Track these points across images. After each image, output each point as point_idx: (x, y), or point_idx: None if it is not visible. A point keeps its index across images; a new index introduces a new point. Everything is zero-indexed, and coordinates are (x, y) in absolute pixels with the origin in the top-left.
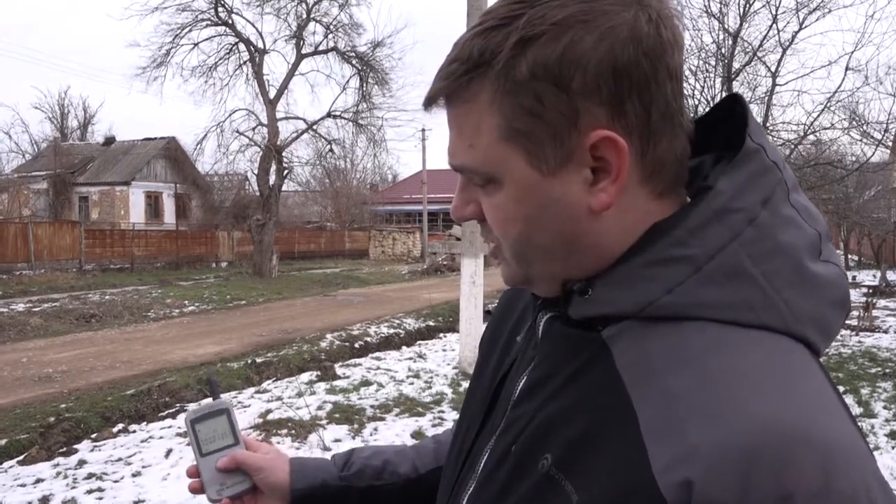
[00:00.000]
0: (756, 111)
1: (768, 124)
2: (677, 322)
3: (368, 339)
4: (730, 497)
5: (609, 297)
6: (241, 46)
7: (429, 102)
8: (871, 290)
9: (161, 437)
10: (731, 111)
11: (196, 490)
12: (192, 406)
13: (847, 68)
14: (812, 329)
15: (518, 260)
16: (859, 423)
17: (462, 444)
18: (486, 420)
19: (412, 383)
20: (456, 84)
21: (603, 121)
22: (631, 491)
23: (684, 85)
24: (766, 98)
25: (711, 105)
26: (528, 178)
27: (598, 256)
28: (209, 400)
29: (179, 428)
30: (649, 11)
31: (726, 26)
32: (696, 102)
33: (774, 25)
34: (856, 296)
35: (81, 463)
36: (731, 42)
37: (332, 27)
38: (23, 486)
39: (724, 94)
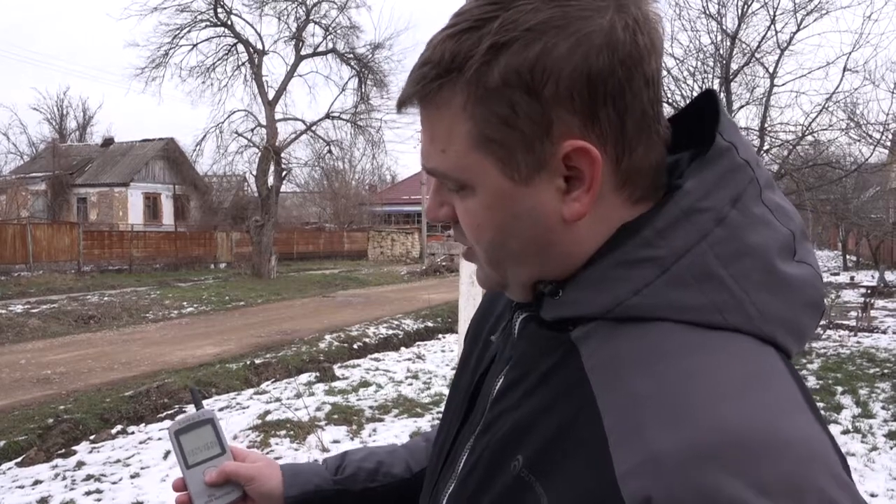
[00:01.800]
0: (754, 112)
1: (766, 125)
2: (645, 323)
3: (367, 339)
4: (691, 502)
5: (578, 298)
6: (240, 47)
7: (401, 105)
8: (869, 291)
9: (159, 439)
10: (707, 107)
11: None
12: (178, 417)
13: (845, 69)
14: (782, 331)
15: (491, 264)
16: (857, 424)
17: (444, 442)
18: (467, 418)
19: (411, 384)
20: (427, 88)
21: (576, 130)
22: (597, 497)
23: (683, 86)
24: (765, 99)
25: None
26: (501, 185)
27: (571, 262)
28: (192, 410)
29: None
30: (626, 17)
31: (724, 27)
32: (660, 98)
33: (772, 26)
34: (854, 296)
35: (80, 464)
36: (729, 43)
37: (331, 29)
38: (21, 487)
39: (722, 95)
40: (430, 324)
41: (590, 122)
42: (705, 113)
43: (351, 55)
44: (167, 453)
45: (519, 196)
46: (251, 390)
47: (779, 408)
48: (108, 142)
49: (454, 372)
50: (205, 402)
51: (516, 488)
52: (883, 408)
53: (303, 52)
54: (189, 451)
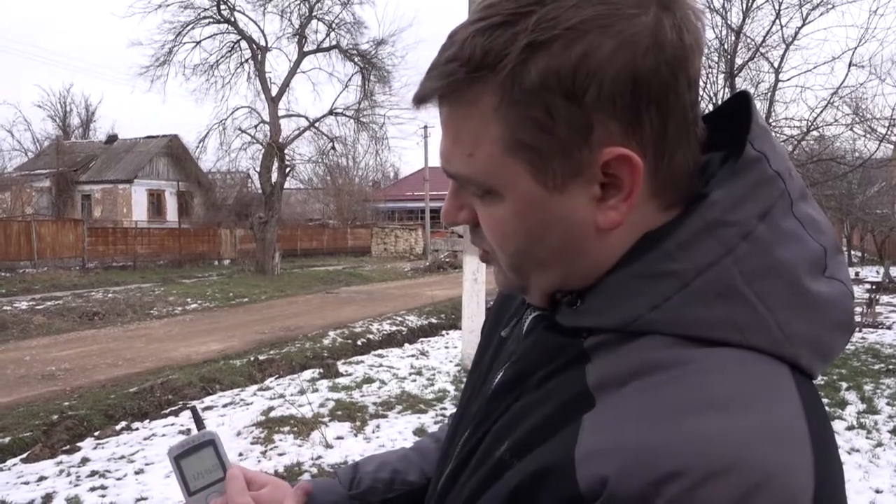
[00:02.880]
0: (759, 107)
1: (771, 120)
2: (659, 337)
3: (371, 336)
4: (635, 498)
5: (598, 309)
6: (243, 44)
7: (420, 101)
8: (874, 287)
9: (164, 435)
10: (738, 109)
11: None
12: (178, 440)
13: (850, 64)
14: (806, 351)
15: (514, 270)
16: (862, 420)
17: (451, 433)
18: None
19: (414, 380)
20: (454, 86)
21: (617, 136)
22: (550, 468)
23: None
24: (769, 94)
25: (713, 102)
26: (532, 193)
27: (597, 270)
28: (194, 431)
29: (182, 426)
30: (672, 14)
31: (729, 22)
32: (699, 99)
33: (777, 21)
34: (859, 292)
35: (84, 461)
36: (733, 38)
37: (334, 25)
38: (26, 483)
39: (726, 91)
40: (433, 320)
41: (631, 127)
42: (740, 116)
43: (354, 51)
44: None
45: (551, 204)
46: (255, 386)
47: (767, 435)
48: (111, 139)
49: (458, 368)
50: (209, 399)
51: (497, 470)
52: (888, 404)
53: (306, 49)
54: (190, 476)
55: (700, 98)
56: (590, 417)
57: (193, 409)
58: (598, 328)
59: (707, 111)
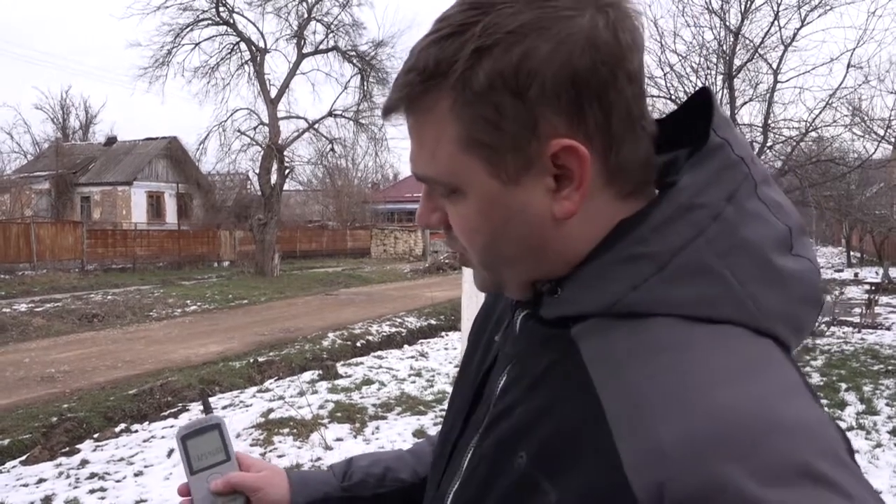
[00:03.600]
0: (758, 109)
1: (770, 122)
2: (642, 318)
3: (370, 337)
4: (700, 493)
5: (577, 296)
6: (243, 46)
7: (387, 112)
8: (873, 287)
9: (163, 437)
10: (702, 105)
11: None
12: (186, 421)
13: (849, 65)
14: (781, 325)
15: (486, 267)
16: (861, 421)
17: (446, 441)
18: (470, 416)
19: (414, 382)
20: (413, 95)
21: (562, 129)
22: (607, 489)
23: (686, 82)
24: (768, 95)
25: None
26: (490, 188)
27: (566, 259)
28: (201, 415)
29: None
30: (606, 15)
31: (727, 23)
32: (643, 93)
33: (776, 22)
34: (858, 293)
35: (84, 463)
36: (732, 39)
37: (333, 27)
38: (25, 486)
39: (725, 92)
40: (433, 321)
41: (576, 120)
42: (701, 110)
43: (353, 53)
44: (171, 451)
45: (509, 197)
46: (254, 388)
47: (775, 392)
48: (111, 141)
49: (457, 370)
50: (209, 401)
51: (521, 485)
52: (887, 404)
53: (305, 50)
54: (194, 456)
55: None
56: (615, 422)
57: (203, 392)
58: (581, 314)
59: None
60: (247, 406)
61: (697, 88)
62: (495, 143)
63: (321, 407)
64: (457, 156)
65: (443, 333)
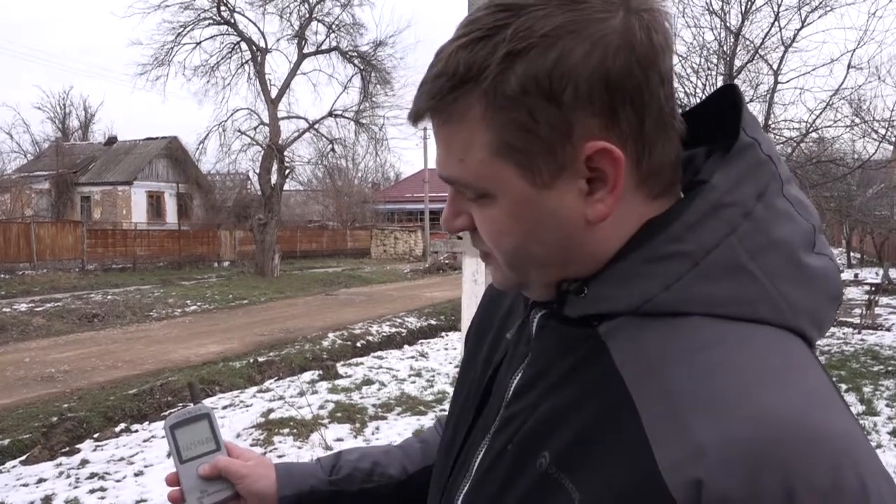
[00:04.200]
0: (758, 109)
1: (770, 122)
2: (674, 317)
3: (370, 337)
4: (739, 493)
5: (606, 294)
6: (243, 45)
7: (416, 118)
8: (873, 288)
9: (163, 437)
10: (725, 103)
11: (175, 499)
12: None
13: (849, 66)
14: (807, 321)
15: (513, 268)
16: (861, 422)
17: (452, 442)
18: (478, 417)
19: (414, 382)
20: (444, 101)
21: (596, 131)
22: (638, 490)
23: (686, 83)
24: (768, 96)
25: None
26: (523, 192)
27: (595, 260)
28: (190, 405)
29: None
30: (639, 16)
31: (728, 24)
32: (698, 101)
33: (776, 23)
34: (858, 294)
35: (84, 462)
36: (732, 40)
37: (334, 27)
38: (25, 485)
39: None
40: (433, 321)
41: (610, 123)
42: (725, 108)
43: (354, 53)
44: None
45: (542, 201)
46: (254, 388)
47: (816, 398)
48: (111, 140)
49: (457, 370)
50: (208, 401)
51: (544, 486)
52: (887, 405)
53: (306, 50)
54: (184, 445)
55: (696, 97)
56: (649, 420)
57: (191, 384)
58: (610, 313)
59: (687, 108)
60: (247, 406)
61: (724, 84)
62: (528, 148)
63: (321, 407)
64: (488, 161)
65: (443, 334)
